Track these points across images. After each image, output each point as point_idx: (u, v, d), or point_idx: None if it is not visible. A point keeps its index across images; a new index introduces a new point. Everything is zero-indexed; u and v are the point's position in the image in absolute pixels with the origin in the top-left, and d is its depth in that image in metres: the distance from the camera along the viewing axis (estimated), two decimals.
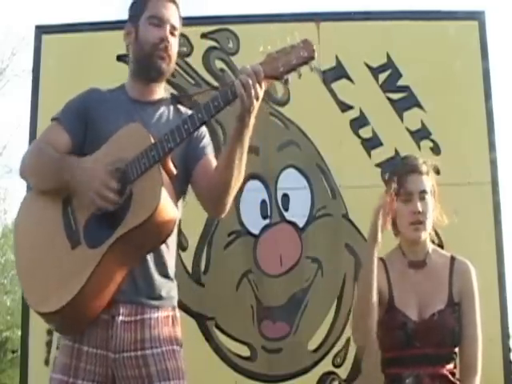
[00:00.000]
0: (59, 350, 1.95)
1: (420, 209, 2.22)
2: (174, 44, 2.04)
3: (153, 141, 1.82)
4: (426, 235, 2.26)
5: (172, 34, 2.03)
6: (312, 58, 1.77)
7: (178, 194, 1.96)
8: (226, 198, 1.92)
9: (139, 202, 1.78)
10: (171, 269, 2.00)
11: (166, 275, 1.96)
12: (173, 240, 1.99)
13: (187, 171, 2.00)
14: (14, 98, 23.45)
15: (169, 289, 1.98)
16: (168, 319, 1.94)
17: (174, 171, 1.87)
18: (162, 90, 2.10)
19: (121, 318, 1.87)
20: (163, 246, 1.93)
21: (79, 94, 2.07)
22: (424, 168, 2.29)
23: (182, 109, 2.09)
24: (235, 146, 1.84)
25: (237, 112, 1.79)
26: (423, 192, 2.25)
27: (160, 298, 1.94)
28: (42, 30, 3.31)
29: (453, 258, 2.28)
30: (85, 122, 1.99)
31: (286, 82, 1.79)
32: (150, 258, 1.91)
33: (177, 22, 2.05)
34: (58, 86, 3.19)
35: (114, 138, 1.91)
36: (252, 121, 1.82)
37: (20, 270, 1.94)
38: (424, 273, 2.23)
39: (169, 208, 1.80)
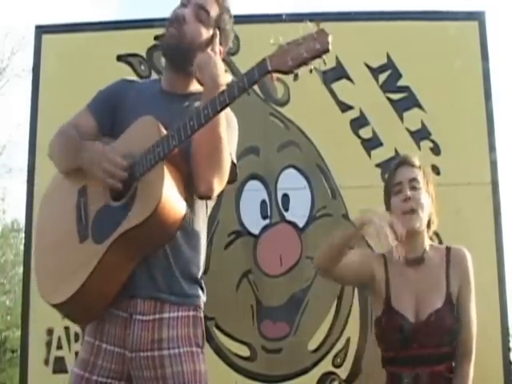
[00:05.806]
0: (81, 346, 1.95)
1: (409, 194, 2.16)
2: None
3: (163, 135, 1.79)
4: (421, 225, 2.18)
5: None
6: (325, 51, 1.57)
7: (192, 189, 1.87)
8: (205, 172, 1.79)
9: (142, 200, 1.77)
10: (196, 268, 1.93)
11: (187, 273, 1.90)
12: (198, 237, 1.93)
13: None
14: (14, 98, 23.46)
15: (191, 287, 1.90)
16: (188, 319, 1.88)
17: (185, 167, 1.81)
18: (194, 84, 1.97)
19: (138, 316, 1.84)
20: (184, 244, 1.88)
21: (111, 83, 2.07)
22: (415, 161, 2.24)
23: None
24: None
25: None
26: (413, 180, 2.19)
27: (180, 295, 1.87)
28: (41, 30, 3.32)
29: (448, 249, 2.23)
30: (113, 110, 1.99)
31: (296, 77, 1.60)
32: (170, 254, 1.86)
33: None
34: (57, 86, 3.20)
35: (128, 130, 1.89)
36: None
37: (35, 260, 1.98)
38: (421, 270, 2.19)
39: (173, 204, 1.76)
